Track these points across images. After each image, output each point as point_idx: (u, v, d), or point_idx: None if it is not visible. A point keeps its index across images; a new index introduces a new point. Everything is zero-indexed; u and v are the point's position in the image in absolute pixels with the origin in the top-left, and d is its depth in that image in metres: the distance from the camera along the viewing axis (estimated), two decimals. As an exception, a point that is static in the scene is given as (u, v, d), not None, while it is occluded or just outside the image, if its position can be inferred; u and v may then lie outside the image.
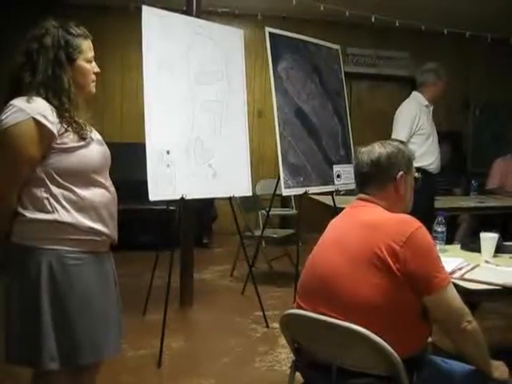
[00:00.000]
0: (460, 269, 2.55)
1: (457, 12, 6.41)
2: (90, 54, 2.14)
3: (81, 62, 2.09)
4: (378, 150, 2.05)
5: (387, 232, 1.83)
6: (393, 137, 4.39)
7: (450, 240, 3.23)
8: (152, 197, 3.54)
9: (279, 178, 4.43)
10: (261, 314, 4.20)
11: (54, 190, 1.95)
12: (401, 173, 2.02)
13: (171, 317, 3.93)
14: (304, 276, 2.05)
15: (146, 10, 3.69)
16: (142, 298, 4.28)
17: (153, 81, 3.65)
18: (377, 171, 2.03)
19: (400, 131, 4.40)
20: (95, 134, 2.11)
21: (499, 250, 2.95)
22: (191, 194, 3.78)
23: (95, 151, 2.06)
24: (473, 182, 6.03)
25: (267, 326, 4.13)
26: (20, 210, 1.95)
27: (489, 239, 2.90)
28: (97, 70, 2.17)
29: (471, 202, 5.54)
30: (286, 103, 4.59)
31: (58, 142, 1.95)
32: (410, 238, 1.79)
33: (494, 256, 2.89)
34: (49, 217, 1.94)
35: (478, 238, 2.95)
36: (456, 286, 2.39)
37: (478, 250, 2.95)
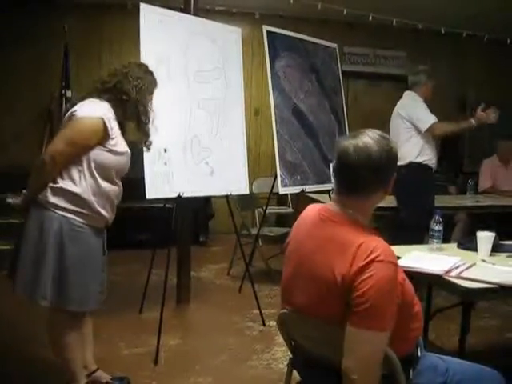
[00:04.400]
0: (457, 267, 2.55)
1: (454, 12, 6.41)
2: (153, 97, 2.83)
3: (151, 97, 2.79)
4: (372, 147, 1.76)
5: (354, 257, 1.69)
6: (424, 126, 4.48)
7: (446, 239, 3.23)
8: (149, 195, 3.54)
9: (276, 177, 4.43)
10: (257, 312, 4.20)
11: (86, 172, 2.53)
12: (395, 174, 1.85)
13: (168, 315, 3.93)
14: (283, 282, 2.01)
15: (144, 8, 3.68)
16: (139, 296, 4.27)
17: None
18: (371, 174, 1.77)
19: (427, 117, 4.49)
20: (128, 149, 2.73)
21: (496, 248, 2.95)
22: (188, 192, 3.78)
23: (124, 160, 2.68)
24: (469, 181, 6.05)
25: (264, 324, 4.13)
26: (56, 177, 2.51)
27: (485, 238, 2.91)
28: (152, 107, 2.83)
29: (468, 201, 5.55)
30: (283, 101, 4.59)
31: (109, 142, 2.55)
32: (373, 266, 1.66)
33: (491, 255, 2.90)
34: (74, 189, 2.51)
35: (475, 237, 2.95)
36: (453, 284, 2.41)
37: (474, 248, 2.96)
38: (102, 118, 2.51)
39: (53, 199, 2.51)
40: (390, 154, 1.80)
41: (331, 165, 4.97)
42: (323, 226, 1.84)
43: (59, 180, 2.52)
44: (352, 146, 1.77)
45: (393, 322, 1.68)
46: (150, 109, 2.77)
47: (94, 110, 2.53)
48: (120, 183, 2.72)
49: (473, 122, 4.59)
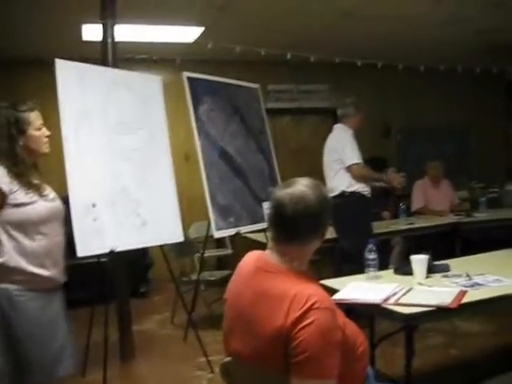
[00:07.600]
0: (394, 294, 2.58)
1: (366, 44, 6.64)
2: (38, 122, 2.58)
3: (31, 132, 2.53)
4: (309, 195, 1.76)
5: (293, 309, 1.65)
6: (347, 162, 4.66)
7: (385, 265, 3.27)
8: (80, 252, 3.43)
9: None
10: (205, 359, 4.11)
11: (4, 239, 2.40)
12: (329, 222, 1.86)
13: (113, 374, 3.80)
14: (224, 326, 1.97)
15: (60, 64, 3.63)
16: (80, 358, 4.10)
17: (71, 134, 3.58)
18: (310, 222, 1.77)
19: (352, 155, 4.67)
20: (50, 192, 2.57)
21: (431, 270, 3.01)
22: (121, 246, 3.69)
23: (41, 207, 2.48)
24: (401, 204, 6.21)
25: (212, 372, 4.03)
26: None
27: (419, 261, 2.96)
28: (47, 133, 2.61)
29: (401, 224, 5.68)
30: (210, 145, 4.61)
31: (11, 198, 2.40)
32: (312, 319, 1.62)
33: (427, 277, 2.95)
34: None
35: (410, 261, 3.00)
36: (392, 312, 2.43)
37: (410, 272, 3.00)
38: None
39: None
40: (326, 200, 1.82)
41: (265, 207, 4.98)
42: (259, 278, 1.81)
43: None
44: (288, 195, 1.76)
45: (337, 368, 1.63)
46: (16, 148, 2.47)
47: None
48: (54, 233, 2.54)
49: (383, 177, 5.15)
